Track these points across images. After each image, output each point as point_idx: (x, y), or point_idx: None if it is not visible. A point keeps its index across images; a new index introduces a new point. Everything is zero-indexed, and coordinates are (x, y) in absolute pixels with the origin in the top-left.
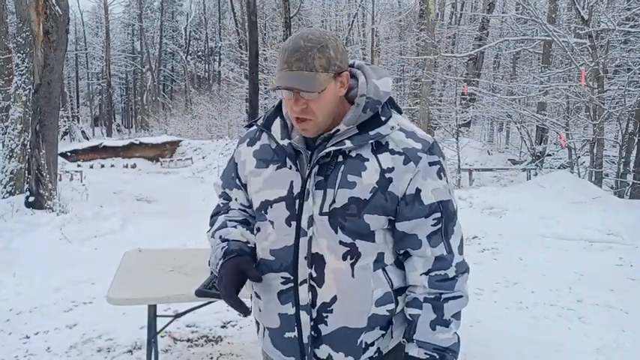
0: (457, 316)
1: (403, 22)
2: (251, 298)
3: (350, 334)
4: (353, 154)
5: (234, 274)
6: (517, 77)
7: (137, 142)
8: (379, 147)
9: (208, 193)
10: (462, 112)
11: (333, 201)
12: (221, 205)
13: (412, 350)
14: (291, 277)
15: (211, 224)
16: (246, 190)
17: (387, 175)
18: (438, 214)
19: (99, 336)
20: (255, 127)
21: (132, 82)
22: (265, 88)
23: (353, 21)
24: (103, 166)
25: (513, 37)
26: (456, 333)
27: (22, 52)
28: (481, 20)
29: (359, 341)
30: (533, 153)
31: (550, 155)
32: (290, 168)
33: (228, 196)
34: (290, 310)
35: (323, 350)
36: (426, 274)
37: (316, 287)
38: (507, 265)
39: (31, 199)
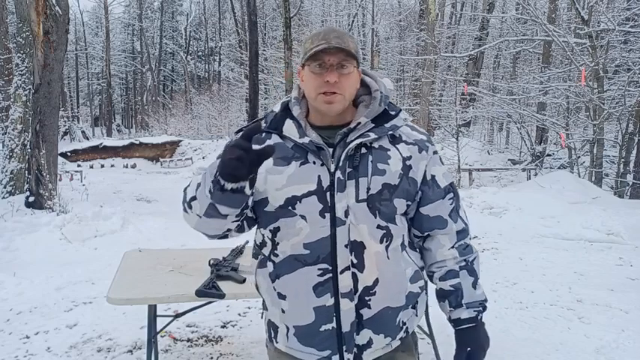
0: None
1: (403, 22)
2: (263, 304)
3: (391, 314)
4: (375, 145)
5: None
6: (517, 77)
7: (137, 142)
8: (394, 139)
9: None
10: (462, 112)
11: (369, 188)
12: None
13: (463, 314)
14: (330, 267)
15: (189, 186)
16: (252, 186)
17: (408, 163)
18: (452, 194)
19: (99, 336)
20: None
21: (132, 82)
22: (265, 88)
23: (353, 21)
24: (103, 166)
25: (513, 37)
26: None
27: (22, 52)
28: (481, 20)
29: (397, 320)
30: (533, 153)
31: (550, 155)
32: (314, 163)
33: None
34: (328, 301)
35: (363, 335)
36: (453, 247)
37: (357, 273)
38: (507, 265)
39: (31, 199)
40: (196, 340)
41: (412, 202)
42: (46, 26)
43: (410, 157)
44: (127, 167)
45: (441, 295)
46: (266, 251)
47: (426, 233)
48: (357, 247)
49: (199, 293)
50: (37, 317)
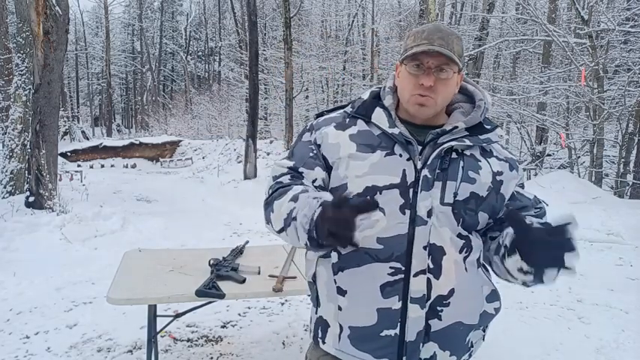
0: None
1: (403, 22)
2: (315, 299)
3: (462, 331)
4: (467, 152)
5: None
6: (517, 77)
7: (137, 142)
8: (485, 152)
9: (208, 193)
10: None
11: (456, 193)
12: (287, 182)
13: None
14: (403, 268)
15: (278, 195)
16: (329, 174)
17: (499, 178)
18: (542, 205)
19: (99, 336)
20: (339, 114)
21: (132, 82)
22: (265, 88)
23: (353, 21)
24: (103, 166)
25: (513, 37)
26: None
27: (22, 52)
28: (481, 20)
29: (467, 339)
30: (533, 153)
31: (550, 155)
32: (400, 156)
33: (300, 175)
34: (395, 304)
35: (428, 348)
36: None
37: (432, 279)
38: None
39: (31, 199)
40: (196, 340)
41: (494, 219)
42: (46, 26)
43: (501, 173)
44: (127, 167)
45: (496, 240)
46: None
47: (496, 233)
48: (436, 251)
49: (199, 293)
50: (37, 317)
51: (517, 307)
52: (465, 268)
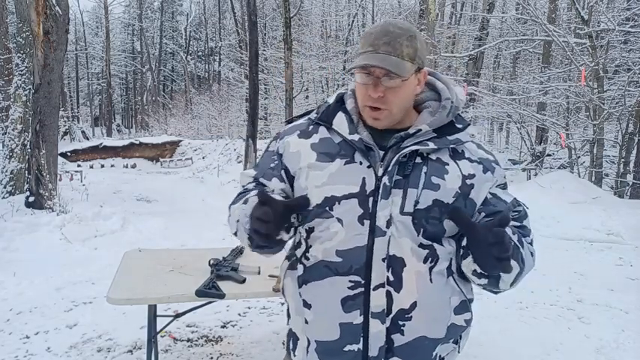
0: (529, 262)
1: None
2: (288, 311)
3: (427, 345)
4: (433, 156)
5: (279, 205)
6: (517, 77)
7: (137, 142)
8: (456, 153)
9: (208, 193)
10: (462, 112)
11: (417, 201)
12: (250, 188)
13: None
14: (362, 281)
15: (238, 200)
16: (291, 184)
17: (469, 182)
18: (520, 208)
19: (99, 336)
20: (305, 121)
21: (132, 82)
22: (265, 88)
23: (353, 21)
24: (103, 166)
25: (513, 37)
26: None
27: (22, 52)
28: (481, 20)
29: (434, 354)
30: (533, 153)
31: (550, 155)
32: (360, 164)
33: (262, 185)
34: (356, 318)
35: None
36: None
37: (393, 292)
38: None
39: (31, 199)
40: (196, 340)
41: None
42: (46, 26)
43: (472, 176)
44: (127, 167)
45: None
46: (299, 252)
47: None
48: (395, 263)
49: (199, 293)
50: (37, 317)
51: (517, 307)
52: (431, 279)
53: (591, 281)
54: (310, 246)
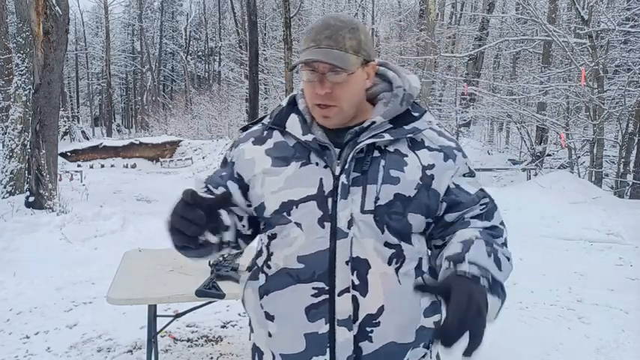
0: (507, 272)
1: (403, 22)
2: (250, 324)
3: (397, 352)
4: (390, 148)
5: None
6: (517, 77)
7: (137, 142)
8: (414, 143)
9: None
10: (462, 112)
11: (377, 198)
12: None
13: (461, 268)
14: (326, 287)
15: None
16: (246, 193)
17: (429, 172)
18: (487, 200)
19: (99, 336)
20: (259, 127)
21: (132, 82)
22: (265, 88)
23: None
24: (103, 166)
25: (513, 37)
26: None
27: (22, 52)
28: (481, 20)
29: None
30: (533, 153)
31: (550, 155)
32: (317, 164)
33: (210, 192)
34: (322, 327)
35: None
36: (477, 229)
37: (359, 297)
38: None
39: (31, 199)
40: (196, 340)
41: (433, 218)
42: (46, 26)
43: (432, 166)
44: (127, 167)
45: (440, 257)
46: (260, 261)
47: (447, 238)
48: (359, 266)
49: (199, 293)
50: (37, 317)
51: (517, 307)
52: (399, 281)
53: (591, 281)
54: (272, 253)
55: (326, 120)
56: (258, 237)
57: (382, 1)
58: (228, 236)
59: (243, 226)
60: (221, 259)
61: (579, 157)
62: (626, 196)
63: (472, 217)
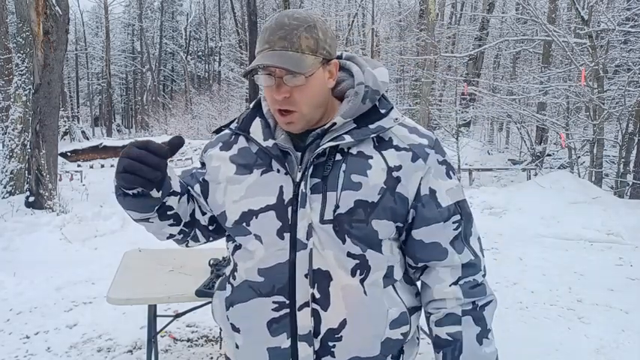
0: (491, 330)
1: (403, 22)
2: (220, 334)
3: None
4: (353, 151)
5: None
6: (517, 77)
7: None
8: (381, 143)
9: None
10: (462, 112)
11: (337, 205)
12: None
13: None
14: (287, 302)
15: None
16: (205, 199)
17: (395, 174)
18: (458, 217)
19: (99, 336)
20: (227, 131)
21: (132, 82)
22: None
23: (353, 21)
24: (103, 166)
25: (513, 37)
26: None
27: (22, 52)
28: (481, 20)
29: None
30: (533, 153)
31: (550, 155)
32: (278, 172)
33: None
34: (284, 342)
35: None
36: (456, 283)
37: (320, 311)
38: (507, 265)
39: (31, 199)
40: (196, 340)
41: (403, 223)
42: (46, 26)
43: (399, 168)
44: None
45: (436, 344)
46: (227, 271)
47: (421, 264)
48: (320, 278)
49: (199, 293)
50: (37, 317)
51: (517, 307)
52: (364, 292)
53: (591, 281)
54: (236, 264)
55: (290, 126)
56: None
57: (382, 1)
58: (178, 208)
59: (203, 214)
60: (221, 259)
61: (579, 157)
62: (626, 196)
63: (450, 243)
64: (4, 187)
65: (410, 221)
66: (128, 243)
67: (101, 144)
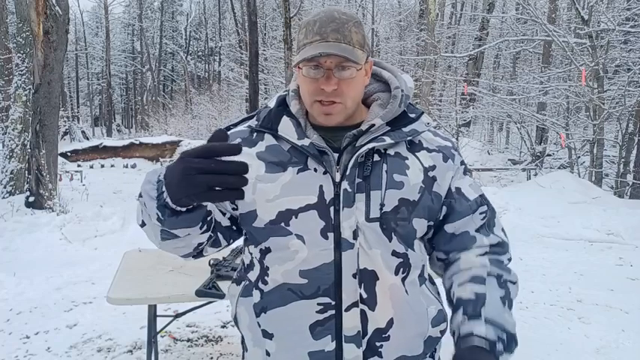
0: (513, 305)
1: (403, 22)
2: (242, 342)
3: None
4: (391, 152)
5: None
6: (517, 77)
7: (137, 142)
8: (413, 145)
9: None
10: (462, 112)
11: (382, 204)
12: None
13: (479, 328)
14: (333, 303)
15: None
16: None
17: (431, 174)
18: (485, 207)
19: (99, 336)
20: (246, 128)
21: (132, 82)
22: (265, 88)
23: None
24: (103, 166)
25: (513, 37)
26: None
27: (22, 52)
28: (481, 20)
29: None
30: (533, 153)
31: (550, 155)
32: (315, 170)
33: None
34: (328, 345)
35: None
36: (484, 255)
37: (367, 311)
38: None
39: (31, 199)
40: (196, 340)
41: (434, 221)
42: (46, 26)
43: (433, 167)
44: (127, 167)
45: (456, 304)
46: (252, 276)
47: (451, 255)
48: (368, 278)
49: (199, 293)
50: (37, 317)
51: (517, 307)
52: (406, 291)
53: (591, 281)
54: (267, 268)
55: (328, 117)
56: (243, 248)
57: (382, 1)
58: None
59: (223, 214)
60: (221, 259)
61: (579, 157)
62: (626, 196)
63: (476, 230)
64: (4, 187)
65: (441, 218)
66: (128, 243)
67: (101, 144)
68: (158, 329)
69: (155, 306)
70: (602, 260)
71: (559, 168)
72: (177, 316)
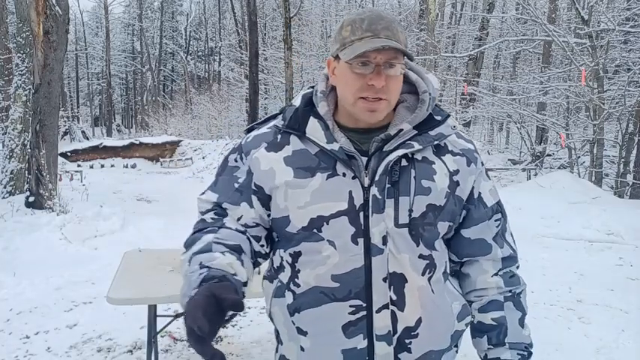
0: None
1: (403, 22)
2: (277, 336)
3: (434, 358)
4: (418, 156)
5: (205, 305)
6: (517, 77)
7: (137, 142)
8: (439, 149)
9: None
10: (462, 112)
11: (411, 210)
12: (209, 221)
13: (504, 354)
14: (364, 305)
15: (189, 244)
16: (267, 206)
17: (455, 178)
18: (499, 215)
19: (99, 336)
20: (270, 130)
21: (132, 82)
22: (265, 88)
23: None
24: (103, 166)
25: (513, 37)
26: None
27: (22, 52)
28: (481, 20)
29: None
30: (533, 153)
31: (550, 155)
32: (344, 175)
33: (224, 211)
34: (360, 343)
35: None
36: (497, 274)
37: (397, 312)
38: None
39: (31, 199)
40: None
41: (455, 223)
42: (46, 26)
43: (457, 172)
44: (127, 167)
45: (479, 329)
46: (284, 278)
47: (465, 259)
48: (397, 281)
49: None
50: (37, 317)
51: None
52: (432, 290)
53: (591, 281)
54: (299, 271)
55: (373, 115)
56: (273, 249)
57: (382, 1)
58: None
59: (262, 245)
60: None
61: (579, 157)
62: (626, 196)
63: (493, 239)
64: (4, 187)
65: (460, 221)
66: (128, 243)
67: (101, 144)
68: (158, 329)
69: (155, 306)
70: (602, 260)
71: (559, 168)
72: (177, 316)
